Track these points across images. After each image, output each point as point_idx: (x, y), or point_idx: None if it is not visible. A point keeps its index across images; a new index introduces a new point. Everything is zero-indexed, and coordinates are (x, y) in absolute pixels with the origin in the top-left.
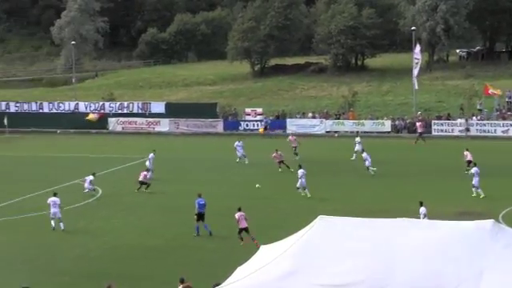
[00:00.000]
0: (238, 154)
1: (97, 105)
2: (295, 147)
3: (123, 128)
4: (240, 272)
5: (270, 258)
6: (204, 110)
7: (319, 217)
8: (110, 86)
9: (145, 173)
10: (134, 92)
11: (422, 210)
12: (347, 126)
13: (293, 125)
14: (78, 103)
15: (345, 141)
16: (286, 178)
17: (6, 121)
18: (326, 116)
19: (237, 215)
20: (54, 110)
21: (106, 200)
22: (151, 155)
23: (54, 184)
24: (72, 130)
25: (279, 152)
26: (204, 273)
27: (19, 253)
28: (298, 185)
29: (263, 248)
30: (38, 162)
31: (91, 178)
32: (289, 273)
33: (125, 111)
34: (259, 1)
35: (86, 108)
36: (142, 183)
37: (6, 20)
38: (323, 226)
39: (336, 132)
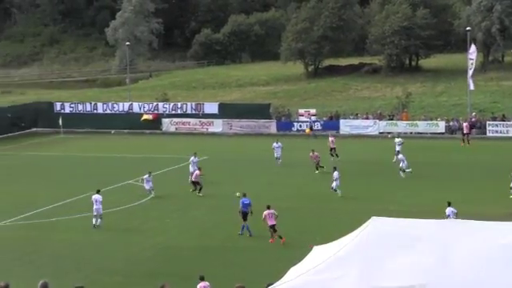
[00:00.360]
0: (276, 155)
1: (151, 105)
2: (333, 148)
3: (176, 128)
4: (293, 272)
5: (323, 258)
6: (257, 111)
7: (372, 218)
8: (163, 87)
9: (197, 172)
10: (188, 93)
11: (450, 210)
12: (401, 127)
13: (346, 126)
14: (132, 104)
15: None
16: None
17: (60, 121)
18: (380, 117)
19: (265, 213)
20: (108, 111)
21: (159, 200)
22: (193, 158)
23: (107, 184)
24: (126, 131)
25: (316, 153)
26: (257, 273)
27: (72, 252)
28: (333, 186)
29: (316, 248)
30: (92, 162)
31: (146, 176)
32: (342, 274)
33: (178, 112)
34: (313, 1)
35: (140, 109)
36: (195, 183)
37: (61, 21)
38: (377, 226)
39: (389, 133)
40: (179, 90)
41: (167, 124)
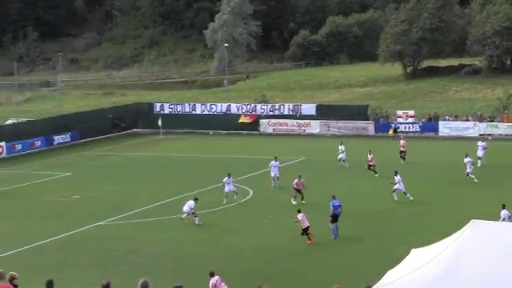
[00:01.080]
0: (341, 157)
1: (248, 106)
2: (404, 152)
3: (274, 130)
4: (391, 275)
5: (421, 261)
6: (355, 112)
7: (472, 221)
8: (261, 88)
9: (297, 180)
10: (286, 94)
11: (504, 213)
12: (501, 128)
13: (445, 127)
14: (230, 105)
15: (499, 144)
16: (429, 182)
17: (160, 122)
18: (480, 118)
19: (299, 216)
20: (207, 112)
21: (257, 201)
22: (273, 162)
23: (206, 184)
24: (224, 132)
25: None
26: (353, 275)
27: (171, 252)
28: (396, 187)
29: (414, 251)
30: (191, 162)
31: (226, 178)
32: (441, 277)
33: (276, 113)
34: (412, 2)
35: (238, 110)
36: (298, 191)
37: (161, 23)
38: (477, 230)
39: (490, 135)
40: (277, 91)
41: (265, 125)
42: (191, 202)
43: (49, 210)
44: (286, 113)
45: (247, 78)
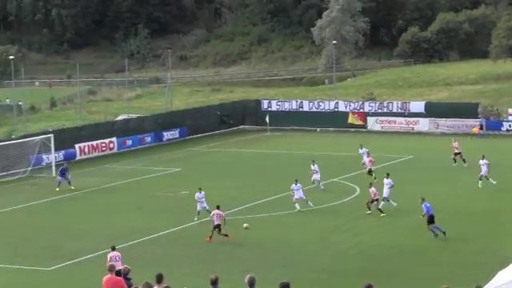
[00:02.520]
0: (364, 159)
1: (356, 104)
2: (459, 153)
3: (382, 127)
4: (502, 276)
5: None
6: (465, 110)
7: None
8: (369, 86)
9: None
10: (393, 91)
11: None
12: None
13: None
14: (337, 102)
15: None
16: None
17: (267, 119)
18: None
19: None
20: (314, 109)
21: (364, 199)
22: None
23: (310, 182)
24: (331, 129)
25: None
26: (462, 275)
27: (279, 248)
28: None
29: None
30: (298, 159)
31: (293, 185)
32: None
33: (384, 110)
34: None
35: (346, 107)
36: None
37: (269, 20)
38: None
39: None
40: (385, 88)
41: (372, 123)
42: (293, 185)
43: (158, 205)
44: (394, 110)
45: (353, 75)
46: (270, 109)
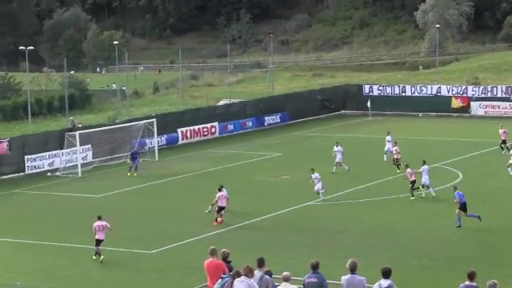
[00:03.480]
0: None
1: (459, 88)
2: (504, 140)
3: (485, 112)
4: None
5: None
6: None
7: None
8: (472, 70)
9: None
10: (498, 76)
11: None
12: None
13: None
14: (440, 87)
15: None
16: None
17: (369, 103)
18: None
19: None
20: (416, 94)
21: (466, 184)
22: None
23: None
24: (433, 114)
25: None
26: None
27: (381, 233)
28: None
29: None
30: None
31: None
32: None
33: (488, 95)
34: None
35: (449, 92)
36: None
37: (371, 4)
38: None
39: None
40: (489, 73)
41: (476, 107)
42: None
43: (260, 190)
44: (498, 95)
45: (456, 59)
46: (371, 93)
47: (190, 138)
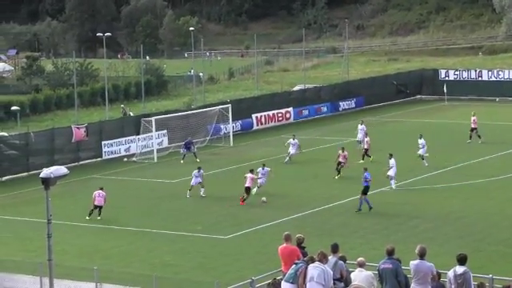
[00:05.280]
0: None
1: None
2: (474, 129)
3: None
4: None
5: None
6: None
7: None
8: None
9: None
10: None
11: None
12: None
13: None
14: None
15: None
16: None
17: (445, 88)
18: None
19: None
20: (494, 78)
21: None
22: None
23: (490, 153)
24: (511, 98)
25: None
26: None
27: (456, 219)
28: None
29: None
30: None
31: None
32: None
33: None
34: None
35: None
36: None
37: None
38: None
39: None
40: None
41: None
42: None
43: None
44: None
45: None
46: (447, 78)
47: (265, 123)
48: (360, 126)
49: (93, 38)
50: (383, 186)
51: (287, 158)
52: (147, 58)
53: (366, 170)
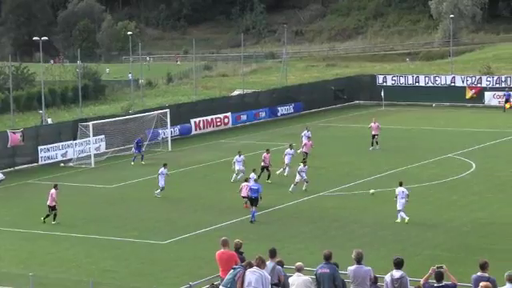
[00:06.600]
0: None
1: (473, 78)
2: (375, 135)
3: (499, 102)
4: None
5: None
6: None
7: None
8: (487, 60)
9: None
10: None
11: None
12: None
13: None
14: (454, 77)
15: None
16: None
17: (382, 94)
18: None
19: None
20: (430, 84)
21: (480, 175)
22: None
23: (427, 157)
24: (447, 104)
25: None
26: None
27: (392, 224)
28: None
29: None
30: (413, 135)
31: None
32: None
33: (502, 85)
34: None
35: (463, 82)
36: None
37: None
38: None
39: None
40: (503, 62)
41: (490, 97)
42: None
43: (273, 180)
44: None
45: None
46: (385, 84)
47: (203, 128)
48: (305, 132)
49: (29, 42)
50: (321, 190)
51: (287, 168)
52: (79, 62)
53: (255, 180)
